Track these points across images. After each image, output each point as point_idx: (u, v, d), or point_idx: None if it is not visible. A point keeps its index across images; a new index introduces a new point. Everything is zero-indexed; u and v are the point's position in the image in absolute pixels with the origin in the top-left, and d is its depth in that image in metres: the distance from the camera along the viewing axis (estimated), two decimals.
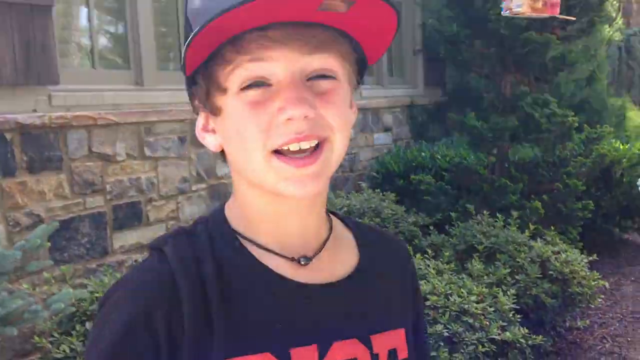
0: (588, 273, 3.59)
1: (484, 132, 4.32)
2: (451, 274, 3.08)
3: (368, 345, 0.77)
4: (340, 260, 0.80)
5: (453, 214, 4.08)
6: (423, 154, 5.36)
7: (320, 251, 0.78)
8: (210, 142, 0.77)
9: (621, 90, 8.78)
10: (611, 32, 7.55)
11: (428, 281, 2.91)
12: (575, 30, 4.53)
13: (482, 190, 4.55)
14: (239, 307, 0.71)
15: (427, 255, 3.26)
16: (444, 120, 6.52)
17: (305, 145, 0.69)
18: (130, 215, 3.71)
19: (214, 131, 0.76)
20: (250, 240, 0.76)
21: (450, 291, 2.85)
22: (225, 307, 0.70)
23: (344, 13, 0.65)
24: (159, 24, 4.11)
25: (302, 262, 0.76)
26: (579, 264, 3.62)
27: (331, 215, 0.84)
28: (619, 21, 8.11)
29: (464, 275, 3.12)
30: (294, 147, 0.69)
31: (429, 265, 3.10)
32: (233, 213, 0.79)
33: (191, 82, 0.73)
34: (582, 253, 3.85)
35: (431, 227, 4.18)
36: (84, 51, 3.87)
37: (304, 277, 0.75)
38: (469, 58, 4.52)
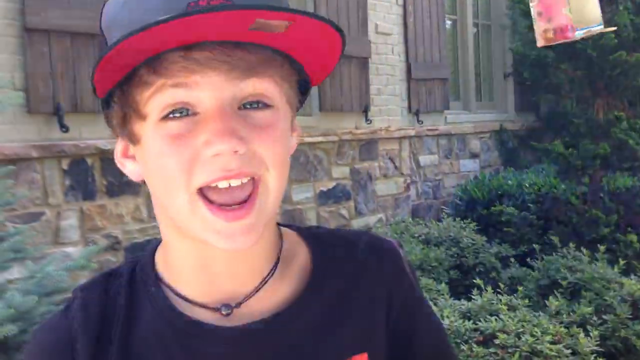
0: None
1: (571, 160, 4.08)
2: (526, 311, 2.89)
3: None
4: (282, 291, 0.70)
5: (536, 246, 3.85)
6: (510, 182, 5.13)
7: (255, 293, 0.69)
8: (132, 170, 0.68)
9: None
10: None
11: (499, 318, 2.74)
12: None
13: (571, 222, 4.28)
14: None
15: (499, 290, 3.08)
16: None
17: (236, 182, 0.61)
18: None
19: (134, 158, 0.68)
20: (170, 288, 0.69)
21: (522, 329, 2.66)
22: None
23: (282, 33, 0.58)
24: None
25: (224, 312, 0.67)
26: None
27: (286, 235, 0.74)
28: None
29: (540, 313, 2.92)
30: (222, 184, 0.61)
31: (501, 301, 2.92)
32: (160, 255, 0.72)
33: (105, 104, 0.65)
34: None
35: (512, 260, 3.97)
36: None
37: (230, 324, 0.67)
38: (556, 82, 4.30)
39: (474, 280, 3.24)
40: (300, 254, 0.73)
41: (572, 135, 4.51)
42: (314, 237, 0.75)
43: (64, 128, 3.13)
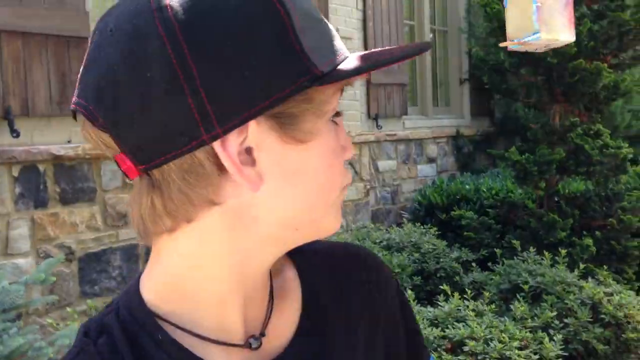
0: None
1: (528, 166, 4.12)
2: (492, 316, 2.89)
3: None
4: (287, 311, 0.64)
5: (497, 251, 3.87)
6: (467, 186, 5.18)
7: (269, 317, 0.62)
8: (252, 178, 0.55)
9: None
10: None
11: (467, 324, 2.73)
12: (628, 58, 4.31)
13: (529, 226, 4.33)
14: None
15: (466, 296, 3.07)
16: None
17: None
18: None
19: (253, 163, 0.56)
20: (182, 328, 0.59)
21: (490, 336, 2.66)
22: None
23: None
24: None
25: (254, 346, 0.60)
26: (634, 307, 3.36)
27: None
28: None
29: (506, 318, 2.92)
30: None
31: (467, 307, 2.92)
32: (154, 288, 0.60)
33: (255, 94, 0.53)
34: (637, 294, 3.59)
35: (474, 264, 3.99)
36: None
37: None
38: (515, 87, 4.35)
39: (441, 287, 3.22)
40: (286, 269, 0.68)
41: (528, 141, 4.57)
42: (299, 251, 0.68)
43: (15, 133, 2.97)
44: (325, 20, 0.59)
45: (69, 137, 3.24)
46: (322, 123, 0.58)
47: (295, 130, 0.56)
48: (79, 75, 0.57)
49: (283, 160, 0.56)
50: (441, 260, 4.11)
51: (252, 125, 0.54)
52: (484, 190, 5.06)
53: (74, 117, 0.58)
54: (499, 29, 4.43)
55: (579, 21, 4.39)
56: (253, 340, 0.60)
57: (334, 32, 0.59)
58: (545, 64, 4.02)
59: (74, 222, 3.24)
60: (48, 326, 2.66)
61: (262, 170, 0.55)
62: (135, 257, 3.50)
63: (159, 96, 0.52)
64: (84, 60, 0.57)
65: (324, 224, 0.61)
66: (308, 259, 0.69)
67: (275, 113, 0.54)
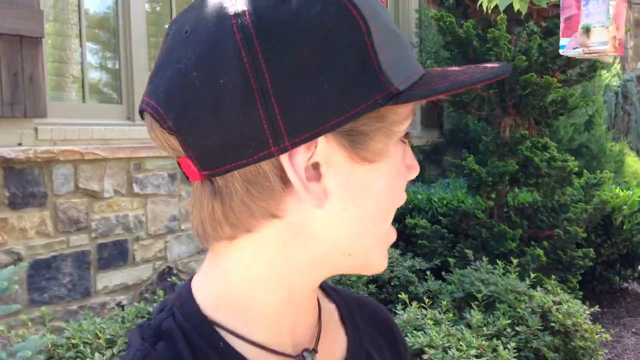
0: (591, 326, 3.44)
1: (483, 176, 4.22)
2: (449, 325, 2.93)
3: None
4: (333, 337, 0.67)
5: (451, 260, 3.94)
6: (419, 196, 5.25)
7: (319, 334, 0.64)
8: (317, 194, 0.54)
9: (618, 136, 8.75)
10: (609, 78, 7.55)
11: (425, 333, 2.77)
12: (575, 75, 4.47)
13: (480, 236, 4.42)
14: None
15: (424, 305, 3.11)
16: (441, 161, 6.45)
17: None
18: (115, 254, 3.57)
19: (319, 179, 0.54)
20: (238, 335, 0.58)
21: (448, 344, 2.70)
22: None
23: None
24: (153, 58, 4.03)
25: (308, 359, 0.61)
26: (581, 315, 3.47)
27: None
28: (617, 67, 8.13)
29: (462, 326, 2.97)
30: None
31: (426, 315, 2.95)
32: (210, 295, 0.59)
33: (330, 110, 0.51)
34: (583, 303, 3.72)
35: (428, 273, 4.04)
36: (75, 84, 3.78)
37: None
38: (467, 100, 4.45)
39: (398, 295, 3.25)
40: (327, 304, 0.71)
41: (477, 152, 4.67)
42: (335, 291, 0.73)
43: None
44: (401, 33, 0.58)
45: (19, 140, 3.13)
46: (392, 143, 0.56)
47: (364, 149, 0.54)
48: (149, 75, 0.56)
49: (350, 179, 0.55)
50: (395, 268, 4.15)
51: (321, 140, 0.52)
52: (436, 200, 5.15)
53: (142, 117, 0.56)
54: (453, 43, 4.53)
55: (529, 37, 4.54)
56: (307, 354, 0.60)
57: (407, 44, 0.58)
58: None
59: (23, 228, 3.12)
60: None
61: (328, 187, 0.54)
62: (87, 264, 3.40)
63: (230, 104, 0.50)
64: (156, 60, 0.55)
65: (374, 259, 0.60)
66: (339, 295, 0.72)
67: (345, 130, 0.53)
